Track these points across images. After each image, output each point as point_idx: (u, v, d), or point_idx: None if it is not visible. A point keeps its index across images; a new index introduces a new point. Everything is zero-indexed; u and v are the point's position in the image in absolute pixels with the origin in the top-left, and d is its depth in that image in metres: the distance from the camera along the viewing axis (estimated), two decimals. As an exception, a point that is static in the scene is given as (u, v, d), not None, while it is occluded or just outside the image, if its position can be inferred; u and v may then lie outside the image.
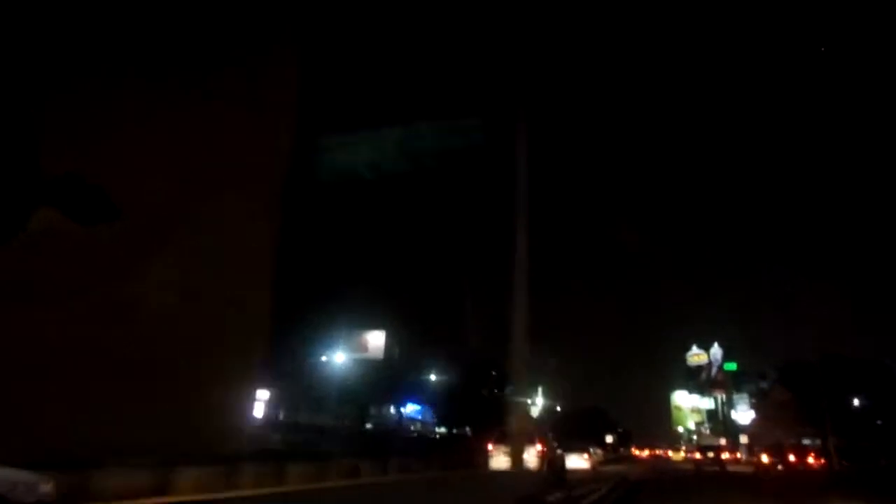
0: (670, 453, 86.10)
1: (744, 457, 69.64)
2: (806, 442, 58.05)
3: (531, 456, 21.67)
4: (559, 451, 26.88)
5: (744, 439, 75.03)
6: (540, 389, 76.15)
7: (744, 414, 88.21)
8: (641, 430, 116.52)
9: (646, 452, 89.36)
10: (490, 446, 22.67)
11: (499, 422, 28.41)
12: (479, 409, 43.73)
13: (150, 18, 10.60)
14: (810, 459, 44.74)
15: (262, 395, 44.16)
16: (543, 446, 22.95)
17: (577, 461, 31.60)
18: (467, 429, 47.25)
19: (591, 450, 37.91)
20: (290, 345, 41.89)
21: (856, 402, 57.08)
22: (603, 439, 77.78)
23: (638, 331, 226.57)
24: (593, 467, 33.88)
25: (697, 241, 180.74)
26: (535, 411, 72.95)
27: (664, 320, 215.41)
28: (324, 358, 44.50)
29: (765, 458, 51.59)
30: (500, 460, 21.36)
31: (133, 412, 9.61)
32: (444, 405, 48.60)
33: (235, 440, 12.30)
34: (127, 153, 9.91)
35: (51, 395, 8.85)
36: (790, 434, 61.97)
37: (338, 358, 44.73)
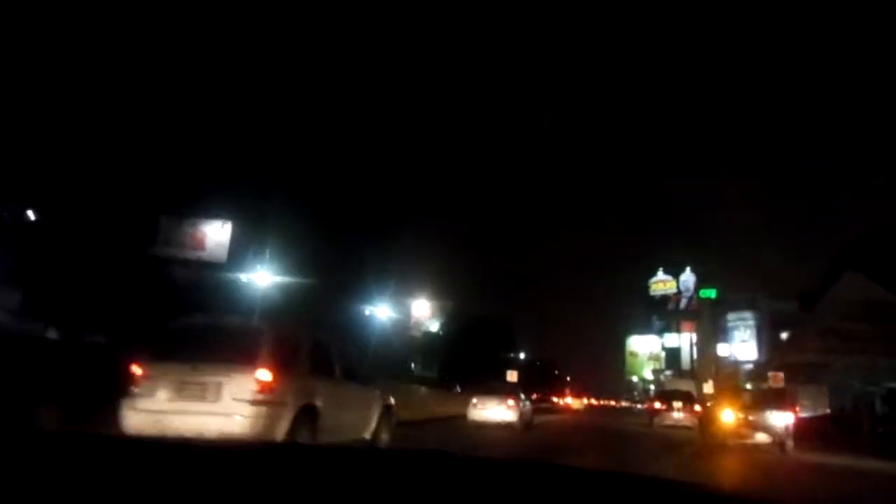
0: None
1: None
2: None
3: (238, 397, 7.16)
4: (379, 392, 10.56)
5: (776, 380, 52.55)
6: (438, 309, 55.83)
7: (744, 347, 68.29)
8: (589, 379, 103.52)
9: (565, 401, 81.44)
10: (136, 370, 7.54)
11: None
12: None
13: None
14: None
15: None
16: (274, 373, 7.32)
17: (496, 411, 20.51)
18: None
19: (522, 396, 22.90)
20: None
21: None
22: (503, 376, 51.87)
23: (590, 266, 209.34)
24: (525, 424, 21.29)
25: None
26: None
27: (624, 252, 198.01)
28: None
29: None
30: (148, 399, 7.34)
31: None
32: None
33: None
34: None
35: None
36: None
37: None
